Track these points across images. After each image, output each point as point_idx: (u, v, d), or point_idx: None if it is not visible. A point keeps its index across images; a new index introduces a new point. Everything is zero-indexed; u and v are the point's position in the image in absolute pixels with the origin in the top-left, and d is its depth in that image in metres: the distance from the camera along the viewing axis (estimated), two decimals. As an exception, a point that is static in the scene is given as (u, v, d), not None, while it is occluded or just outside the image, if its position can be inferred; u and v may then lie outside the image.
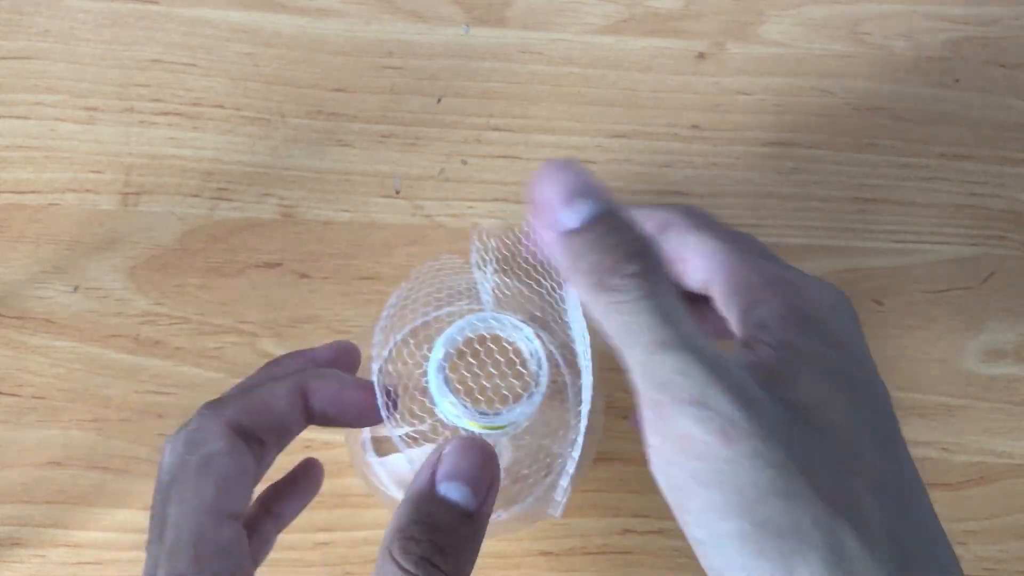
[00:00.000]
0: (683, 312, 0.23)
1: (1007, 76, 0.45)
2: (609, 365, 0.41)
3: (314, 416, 0.29)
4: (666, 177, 0.44)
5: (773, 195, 0.44)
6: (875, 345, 0.42)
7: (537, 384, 0.30)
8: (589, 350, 0.30)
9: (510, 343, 0.31)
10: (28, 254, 0.42)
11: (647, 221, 0.30)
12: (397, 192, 0.43)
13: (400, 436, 0.30)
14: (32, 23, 0.44)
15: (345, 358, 0.32)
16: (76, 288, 0.41)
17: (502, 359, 0.31)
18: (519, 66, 0.45)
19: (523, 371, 0.31)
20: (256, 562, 0.31)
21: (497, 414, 0.29)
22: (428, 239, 0.42)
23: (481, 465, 0.26)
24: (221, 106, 0.44)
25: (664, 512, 0.40)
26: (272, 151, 0.43)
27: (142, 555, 0.39)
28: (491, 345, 0.31)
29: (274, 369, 0.31)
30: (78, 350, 0.41)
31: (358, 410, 0.30)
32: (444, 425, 0.30)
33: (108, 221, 0.42)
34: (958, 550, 0.40)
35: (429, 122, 0.44)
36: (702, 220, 0.30)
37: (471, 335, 0.31)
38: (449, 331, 0.31)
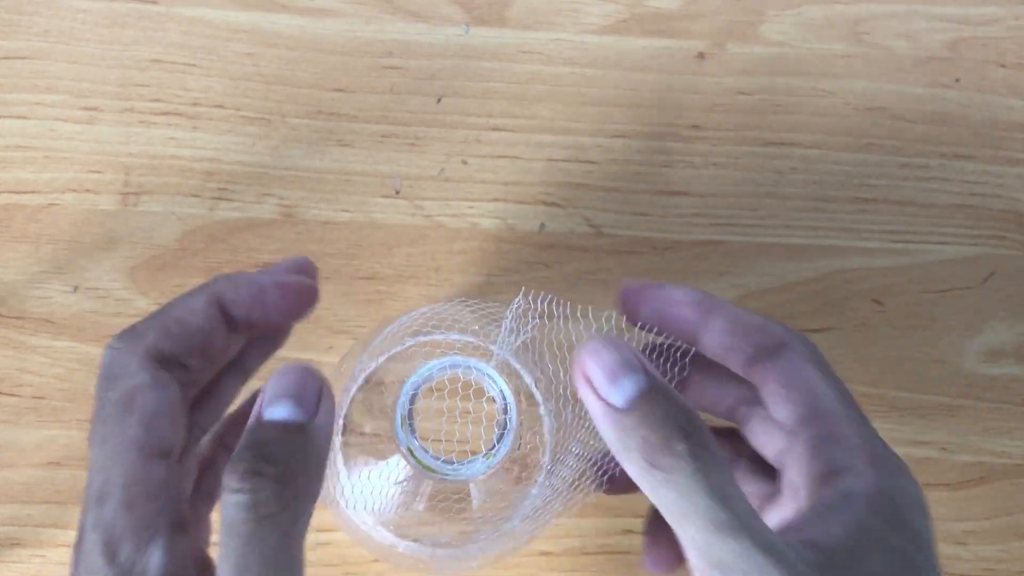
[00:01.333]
0: (738, 490, 0.23)
1: (1007, 76, 0.45)
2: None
3: (237, 325, 0.28)
4: (666, 177, 0.44)
5: (773, 195, 0.44)
6: (875, 345, 0.42)
7: (503, 438, 0.29)
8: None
9: (485, 389, 0.30)
10: (28, 254, 0.42)
11: (755, 334, 0.28)
12: (397, 192, 0.43)
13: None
14: (32, 23, 0.44)
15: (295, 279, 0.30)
16: (76, 288, 0.41)
17: (473, 406, 0.30)
18: (519, 66, 0.45)
19: (498, 419, 0.29)
20: (213, 498, 0.29)
21: (461, 464, 0.29)
22: (428, 239, 0.42)
23: (302, 380, 0.24)
24: (221, 106, 0.44)
25: (664, 512, 0.40)
26: (272, 151, 0.43)
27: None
28: (467, 391, 0.30)
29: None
30: (78, 350, 0.41)
31: (283, 305, 0.28)
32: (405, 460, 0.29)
33: (108, 221, 0.42)
34: (958, 550, 0.40)
35: (429, 122, 0.44)
36: (816, 355, 0.28)
37: (445, 377, 0.30)
38: (421, 370, 0.29)
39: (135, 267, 0.42)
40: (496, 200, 0.43)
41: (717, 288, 0.42)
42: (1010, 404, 0.42)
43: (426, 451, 0.28)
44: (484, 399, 0.30)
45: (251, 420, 0.24)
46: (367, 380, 0.31)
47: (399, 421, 0.28)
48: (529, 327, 0.30)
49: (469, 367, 0.29)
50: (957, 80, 0.45)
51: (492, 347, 0.30)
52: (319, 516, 0.39)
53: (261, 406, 0.24)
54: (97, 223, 0.42)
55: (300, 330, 0.41)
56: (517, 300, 0.29)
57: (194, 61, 0.44)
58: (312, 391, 0.24)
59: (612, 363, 0.24)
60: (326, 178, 0.43)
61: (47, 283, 0.41)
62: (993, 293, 0.43)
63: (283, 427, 0.24)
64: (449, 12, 0.45)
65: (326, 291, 0.42)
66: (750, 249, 0.43)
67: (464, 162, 0.43)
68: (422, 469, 0.28)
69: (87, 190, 0.42)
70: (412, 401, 0.29)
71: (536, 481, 0.30)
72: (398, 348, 0.32)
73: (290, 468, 0.23)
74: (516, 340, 0.30)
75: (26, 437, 0.40)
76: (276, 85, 0.44)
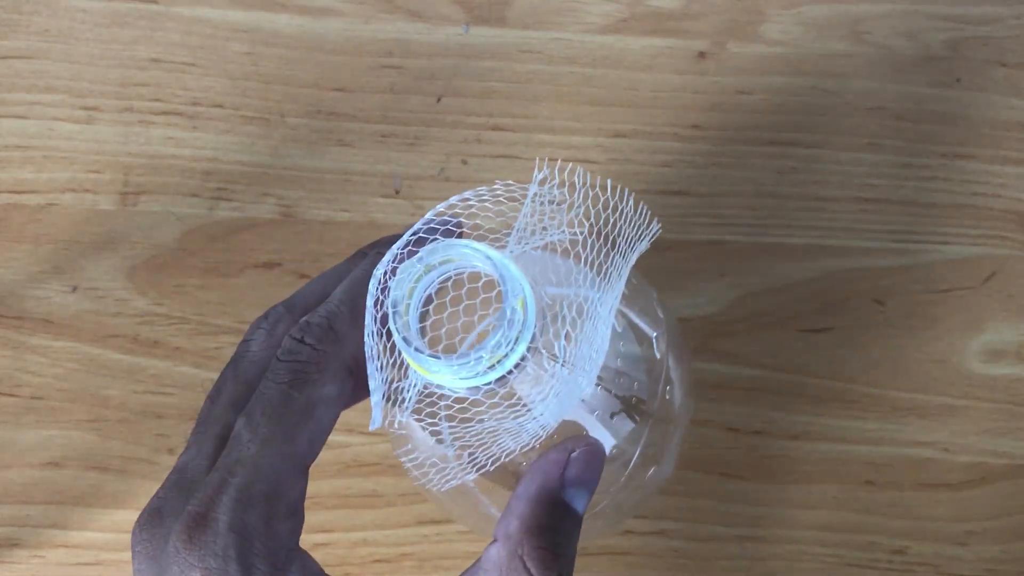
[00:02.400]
0: None
1: (1008, 76, 0.45)
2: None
3: None
4: (666, 177, 0.44)
5: (773, 195, 0.43)
6: (876, 345, 0.42)
7: (514, 316, 0.23)
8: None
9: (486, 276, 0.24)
10: (27, 254, 0.42)
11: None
12: (397, 192, 0.43)
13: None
14: (31, 22, 0.44)
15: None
16: (75, 288, 0.41)
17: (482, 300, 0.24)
18: (519, 65, 0.45)
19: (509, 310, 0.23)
20: None
21: (477, 359, 0.23)
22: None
23: (599, 473, 0.25)
24: (220, 106, 0.43)
25: (664, 513, 0.40)
26: (271, 151, 0.43)
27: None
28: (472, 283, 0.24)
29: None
30: (77, 350, 0.41)
31: None
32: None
33: (107, 221, 0.42)
34: (959, 551, 0.40)
35: (429, 122, 0.44)
36: None
37: (445, 273, 0.24)
38: (408, 265, 0.24)
39: (134, 267, 0.42)
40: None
41: (717, 288, 0.42)
42: (1011, 404, 0.42)
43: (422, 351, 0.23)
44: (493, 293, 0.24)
45: (550, 481, 0.25)
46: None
47: (400, 331, 0.23)
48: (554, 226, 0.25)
49: (454, 252, 0.24)
50: (958, 80, 0.45)
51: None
52: (318, 517, 0.39)
53: (563, 472, 0.25)
54: (96, 223, 0.42)
55: (299, 330, 0.41)
56: (536, 182, 0.25)
57: (193, 61, 0.44)
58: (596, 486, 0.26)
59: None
60: (326, 178, 0.43)
61: (46, 283, 0.41)
62: (994, 293, 0.43)
63: (578, 521, 0.25)
64: (449, 11, 0.45)
65: (326, 291, 0.41)
66: (751, 249, 0.43)
67: (464, 162, 0.43)
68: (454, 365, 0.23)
69: (86, 190, 0.42)
70: (408, 297, 0.24)
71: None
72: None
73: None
74: (531, 241, 0.25)
75: (25, 437, 0.40)
76: (275, 85, 0.44)
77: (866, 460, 0.41)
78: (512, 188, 0.26)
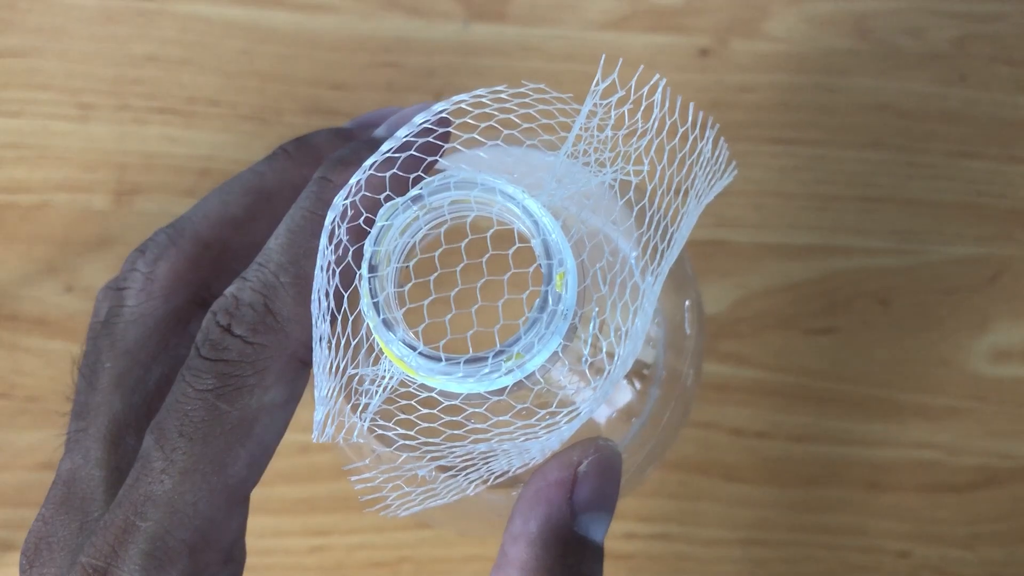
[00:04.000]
0: None
1: (1014, 73, 0.45)
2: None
3: None
4: (668, 176, 0.43)
5: (776, 193, 0.43)
6: (880, 346, 0.42)
7: (558, 304, 0.16)
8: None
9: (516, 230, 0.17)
10: (21, 254, 0.41)
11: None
12: (395, 191, 0.43)
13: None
14: (24, 19, 0.44)
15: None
16: (70, 288, 0.41)
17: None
18: (519, 63, 0.44)
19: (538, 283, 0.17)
20: None
21: (496, 366, 0.16)
22: (427, 239, 0.42)
23: (618, 487, 0.19)
24: (216, 103, 0.43)
25: (667, 516, 0.40)
26: (268, 149, 0.43)
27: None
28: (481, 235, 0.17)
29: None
30: (72, 351, 0.40)
31: None
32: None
33: (102, 220, 0.42)
34: (964, 553, 0.40)
35: (428, 120, 0.43)
36: None
37: (441, 218, 0.17)
38: (393, 207, 0.17)
39: (129, 267, 0.41)
40: (496, 199, 0.43)
41: (720, 288, 0.42)
42: (1018, 406, 0.41)
43: (414, 348, 0.17)
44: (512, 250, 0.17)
45: (558, 512, 0.18)
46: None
47: (372, 304, 0.17)
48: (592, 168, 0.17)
49: (491, 194, 0.16)
50: (963, 77, 0.45)
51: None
52: (315, 520, 0.39)
53: (571, 493, 0.18)
54: (91, 222, 0.42)
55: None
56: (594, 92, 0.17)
57: (189, 58, 0.44)
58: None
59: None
60: (323, 177, 0.43)
61: (40, 283, 0.41)
62: (1000, 293, 0.42)
63: (601, 557, 0.20)
64: (448, 8, 0.45)
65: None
66: (754, 249, 0.42)
67: (463, 160, 0.43)
68: (457, 368, 0.17)
69: (80, 189, 0.42)
70: (393, 257, 0.17)
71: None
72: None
73: None
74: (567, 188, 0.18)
75: (19, 439, 0.40)
76: (272, 82, 0.43)
77: (870, 462, 0.40)
78: (546, 94, 0.18)
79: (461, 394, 0.17)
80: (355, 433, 0.18)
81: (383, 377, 0.17)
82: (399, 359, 0.17)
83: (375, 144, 0.18)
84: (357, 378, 0.17)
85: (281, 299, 0.18)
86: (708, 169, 0.19)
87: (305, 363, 0.19)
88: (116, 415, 0.20)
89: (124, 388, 0.20)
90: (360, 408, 0.18)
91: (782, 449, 0.40)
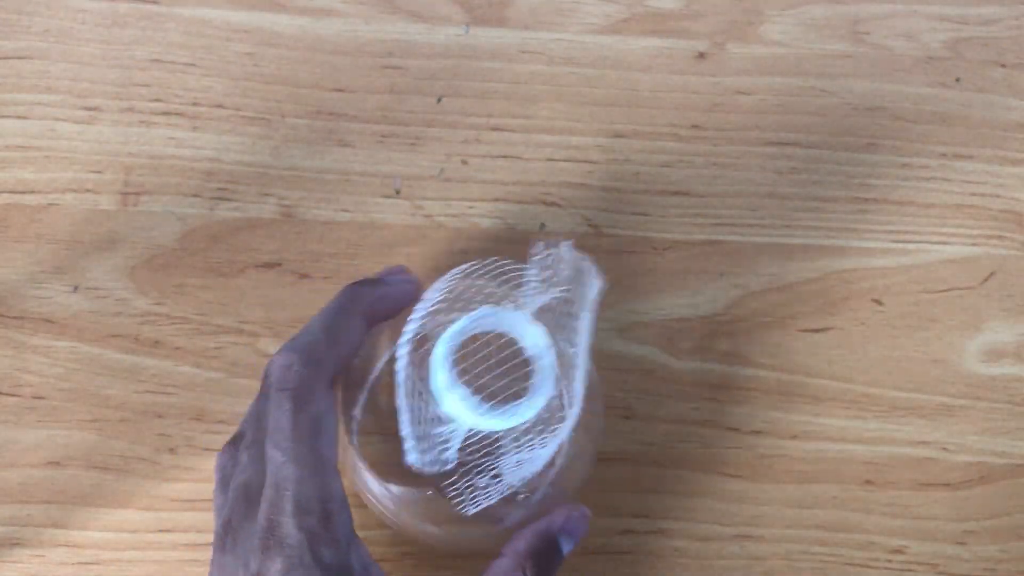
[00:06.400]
0: None
1: (1007, 76, 0.45)
2: (613, 365, 0.41)
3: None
4: (666, 177, 0.44)
5: (773, 195, 0.44)
6: (875, 345, 0.42)
7: (543, 380, 0.30)
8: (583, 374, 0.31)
9: (513, 340, 0.31)
10: (28, 254, 0.42)
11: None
12: (397, 192, 0.43)
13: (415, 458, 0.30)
14: (32, 22, 0.44)
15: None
16: (76, 288, 0.41)
17: (505, 357, 0.31)
18: (519, 66, 0.45)
19: (529, 369, 0.30)
20: None
21: (504, 411, 0.29)
22: (428, 239, 0.42)
23: (584, 532, 0.34)
24: (221, 106, 0.43)
25: (664, 512, 0.40)
26: (272, 151, 0.43)
27: (141, 555, 0.39)
28: (494, 343, 0.31)
29: (354, 302, 0.34)
30: (78, 350, 0.41)
31: (403, 307, 0.34)
32: (443, 422, 0.30)
33: (108, 221, 0.42)
34: (958, 550, 0.40)
35: (429, 122, 0.44)
36: None
37: (477, 331, 0.31)
38: (458, 325, 0.30)
39: (135, 267, 0.42)
40: (496, 200, 0.43)
41: (717, 288, 0.42)
42: (1010, 404, 0.42)
43: (471, 401, 0.29)
44: (514, 351, 0.31)
45: (554, 524, 0.33)
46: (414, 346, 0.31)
47: (444, 376, 0.29)
48: (555, 283, 0.31)
49: (500, 318, 0.30)
50: (957, 80, 0.45)
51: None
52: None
53: (564, 521, 0.33)
54: (97, 223, 0.42)
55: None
56: (539, 253, 0.31)
57: (194, 61, 0.44)
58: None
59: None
60: (326, 178, 0.43)
61: (47, 283, 0.41)
62: (993, 293, 0.43)
63: (561, 560, 0.33)
64: (449, 12, 0.45)
65: (326, 291, 0.42)
66: (750, 249, 0.43)
67: (464, 162, 0.43)
68: (484, 412, 0.29)
69: (87, 190, 0.42)
70: (452, 352, 0.30)
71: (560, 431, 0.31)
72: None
73: None
74: (538, 300, 0.31)
75: (26, 437, 0.40)
76: (276, 85, 0.44)
77: (865, 460, 0.41)
78: (506, 263, 0.31)
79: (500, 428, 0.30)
80: (447, 464, 0.30)
81: (452, 431, 0.30)
82: (463, 410, 0.29)
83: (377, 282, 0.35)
84: (437, 434, 0.30)
85: (319, 347, 0.32)
86: (588, 284, 0.32)
87: (330, 385, 0.32)
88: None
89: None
90: (442, 448, 0.30)
91: (778, 446, 0.41)
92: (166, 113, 0.43)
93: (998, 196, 0.44)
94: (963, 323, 0.42)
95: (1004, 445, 0.41)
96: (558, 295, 0.31)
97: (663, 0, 0.46)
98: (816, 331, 0.42)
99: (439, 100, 0.44)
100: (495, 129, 0.44)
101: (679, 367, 0.42)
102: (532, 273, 0.31)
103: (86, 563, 0.39)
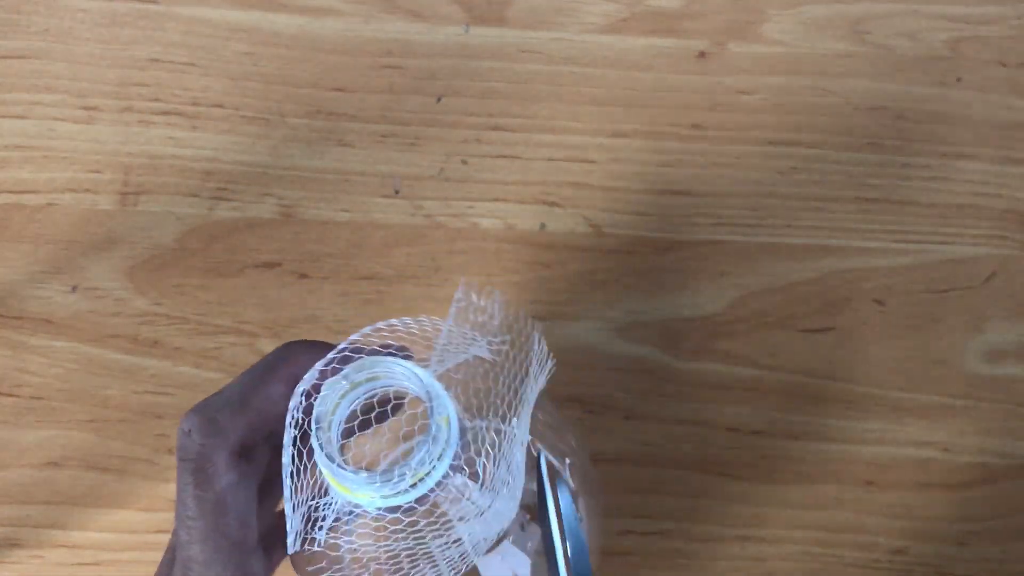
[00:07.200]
0: None
1: (1009, 75, 0.45)
2: (613, 365, 0.41)
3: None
4: (667, 176, 0.44)
5: (774, 195, 0.43)
6: (876, 346, 0.42)
7: (427, 443, 0.23)
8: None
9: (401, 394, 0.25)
10: (27, 254, 0.42)
11: None
12: (397, 192, 0.43)
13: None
14: (31, 22, 0.44)
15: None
16: (75, 288, 0.41)
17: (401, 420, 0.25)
18: (519, 65, 0.45)
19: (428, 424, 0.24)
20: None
21: (401, 476, 0.23)
22: (428, 239, 0.42)
23: None
24: (220, 106, 0.43)
25: (664, 513, 0.40)
26: (271, 151, 0.43)
27: (139, 555, 0.39)
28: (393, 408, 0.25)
29: (273, 371, 0.28)
30: (77, 350, 0.41)
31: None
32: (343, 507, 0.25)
33: (107, 221, 0.42)
34: (959, 550, 0.40)
35: (429, 122, 0.44)
36: None
37: (370, 393, 0.25)
38: (326, 393, 0.24)
39: (134, 267, 0.42)
40: (496, 200, 0.43)
41: (718, 288, 0.42)
42: (1012, 404, 0.42)
43: (344, 468, 0.23)
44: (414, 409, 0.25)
45: None
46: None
47: (319, 454, 0.24)
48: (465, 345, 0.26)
49: (390, 374, 0.24)
50: (959, 79, 0.45)
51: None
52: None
53: None
54: (96, 223, 0.42)
55: (299, 332, 0.41)
56: (463, 300, 0.26)
57: (193, 60, 0.44)
58: None
59: None
60: (325, 178, 0.43)
61: (46, 283, 0.41)
62: (995, 293, 0.43)
63: None
64: (449, 11, 0.45)
65: (325, 291, 0.41)
66: (751, 249, 0.43)
67: (464, 162, 0.43)
68: (375, 484, 0.23)
69: (86, 190, 0.42)
70: (326, 415, 0.24)
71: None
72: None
73: None
74: (447, 362, 0.26)
75: (25, 437, 0.40)
76: (275, 84, 0.44)
77: (866, 460, 0.41)
78: (436, 321, 0.26)
79: (386, 508, 0.24)
80: (317, 544, 0.25)
81: (331, 503, 0.24)
82: (336, 480, 0.23)
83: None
84: (313, 504, 0.24)
85: (224, 413, 0.27)
86: (537, 357, 0.27)
87: (240, 455, 0.27)
88: None
89: None
90: (317, 523, 0.25)
91: (779, 447, 0.41)
92: (165, 113, 0.43)
93: (1000, 196, 0.44)
94: (965, 323, 0.42)
95: (1005, 445, 0.41)
96: (483, 350, 0.26)
97: (663, 0, 0.46)
98: (817, 331, 0.42)
99: (439, 100, 0.44)
100: (495, 129, 0.44)
101: (679, 367, 0.41)
102: (449, 326, 0.26)
103: (85, 563, 0.39)
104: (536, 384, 0.27)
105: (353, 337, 0.25)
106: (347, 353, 0.25)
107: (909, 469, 0.41)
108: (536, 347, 0.27)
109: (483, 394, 0.27)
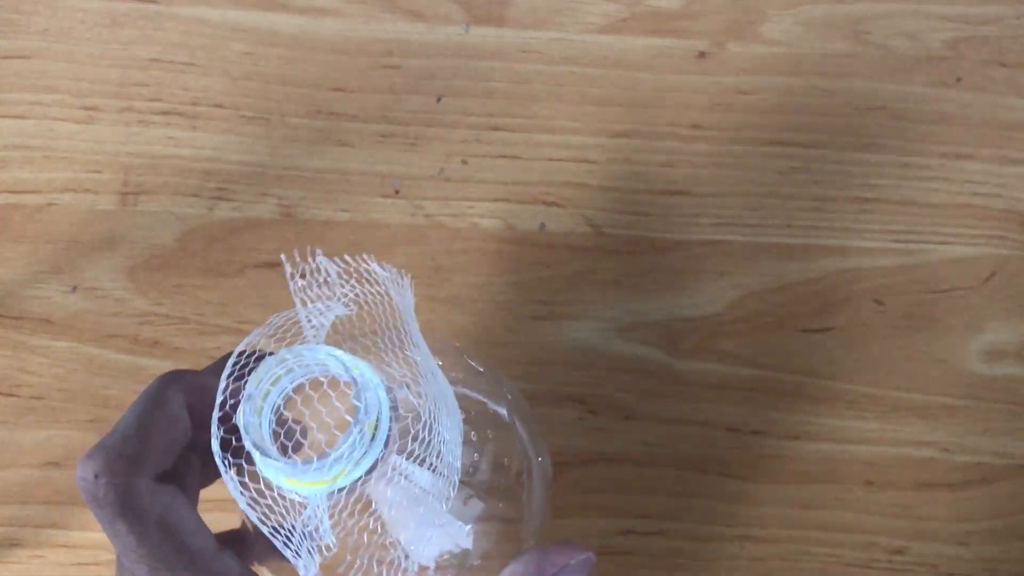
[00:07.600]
0: None
1: (1008, 75, 0.45)
2: (613, 365, 0.41)
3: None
4: (666, 176, 0.44)
5: (774, 195, 0.43)
6: (876, 346, 0.42)
7: (366, 416, 0.22)
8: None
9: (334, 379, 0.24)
10: (27, 254, 0.42)
11: None
12: (397, 192, 0.43)
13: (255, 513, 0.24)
14: (31, 22, 0.44)
15: None
16: (75, 288, 0.41)
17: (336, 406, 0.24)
18: (519, 65, 0.45)
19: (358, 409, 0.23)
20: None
21: (322, 462, 0.22)
22: (428, 239, 0.42)
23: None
24: (220, 105, 0.43)
25: (665, 513, 0.40)
26: (271, 151, 0.43)
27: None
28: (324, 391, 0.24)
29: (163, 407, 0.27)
30: (77, 350, 0.41)
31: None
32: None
33: (107, 221, 0.42)
34: (959, 551, 0.40)
35: (429, 122, 0.44)
36: None
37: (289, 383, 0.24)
38: (258, 373, 0.23)
39: (134, 267, 0.42)
40: (496, 200, 0.43)
41: (717, 288, 0.42)
42: (1011, 404, 0.42)
43: (280, 460, 0.22)
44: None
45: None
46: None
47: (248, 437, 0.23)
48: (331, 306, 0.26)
49: (300, 358, 0.24)
50: (958, 79, 0.45)
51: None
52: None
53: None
54: (96, 223, 0.42)
55: (298, 332, 0.41)
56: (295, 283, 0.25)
57: (193, 61, 0.44)
58: None
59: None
60: (325, 178, 0.43)
61: (46, 283, 0.41)
62: (994, 293, 0.43)
63: None
64: (449, 11, 0.45)
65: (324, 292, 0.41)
66: (751, 249, 0.43)
67: (464, 162, 0.43)
68: (298, 470, 0.22)
69: (86, 190, 0.42)
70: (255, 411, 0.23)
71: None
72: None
73: None
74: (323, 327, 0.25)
75: (25, 437, 0.40)
76: (275, 85, 0.44)
77: (866, 460, 0.41)
78: (290, 314, 0.26)
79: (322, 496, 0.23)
80: (334, 548, 0.24)
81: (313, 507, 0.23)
82: (266, 469, 0.22)
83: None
84: (302, 523, 0.23)
85: (128, 444, 0.26)
86: (389, 280, 0.27)
87: (160, 479, 0.26)
88: None
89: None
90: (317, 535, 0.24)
91: (778, 447, 0.41)
92: (165, 113, 0.43)
93: (999, 196, 0.44)
94: (964, 323, 0.42)
95: (1005, 445, 0.41)
96: (339, 308, 0.25)
97: (663, 0, 0.46)
98: (816, 331, 0.42)
99: (439, 100, 0.44)
100: (495, 129, 0.44)
101: (679, 367, 0.41)
102: (300, 310, 0.25)
103: (85, 563, 0.39)
104: (407, 308, 0.26)
105: (239, 348, 0.25)
106: (244, 359, 0.24)
107: (908, 469, 0.41)
108: (380, 274, 0.26)
109: (375, 348, 0.26)
